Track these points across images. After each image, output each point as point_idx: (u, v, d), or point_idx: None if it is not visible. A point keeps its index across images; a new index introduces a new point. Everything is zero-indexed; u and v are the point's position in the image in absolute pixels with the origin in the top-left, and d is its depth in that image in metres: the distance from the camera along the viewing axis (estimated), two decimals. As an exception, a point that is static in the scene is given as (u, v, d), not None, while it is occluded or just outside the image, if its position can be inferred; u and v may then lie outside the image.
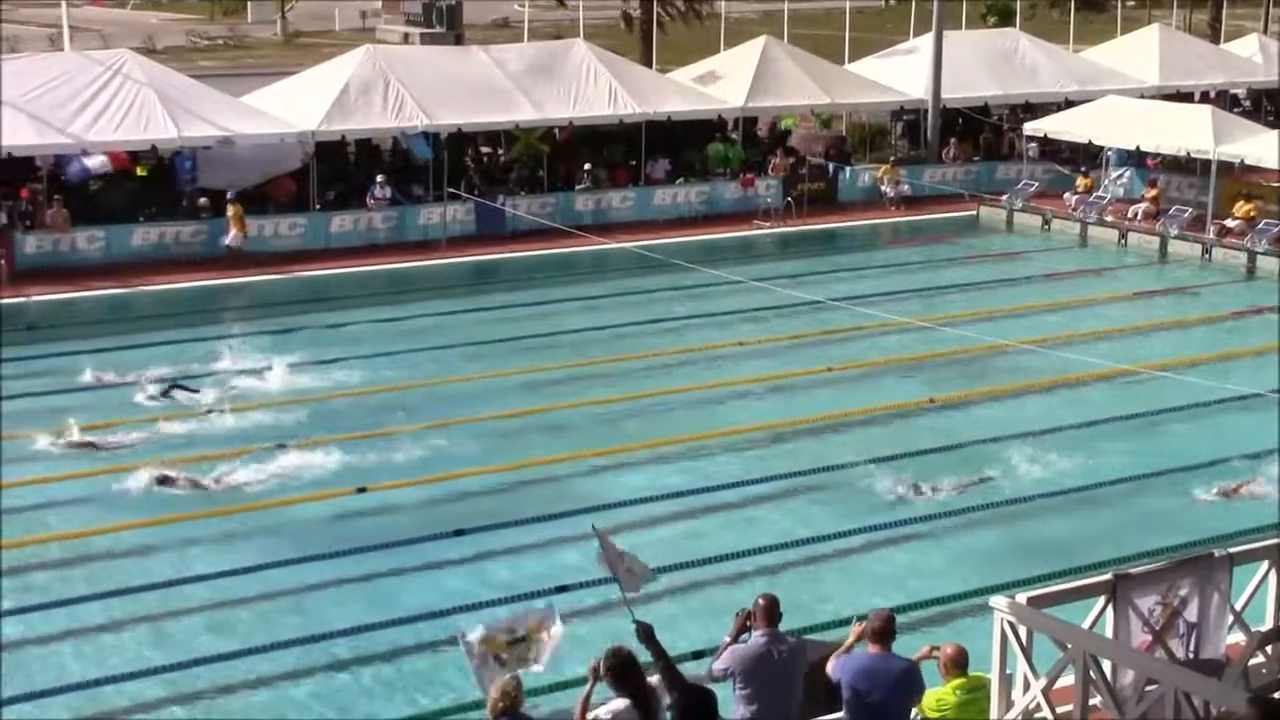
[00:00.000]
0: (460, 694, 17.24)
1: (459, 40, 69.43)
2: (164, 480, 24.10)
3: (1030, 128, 48.84)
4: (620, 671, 11.82)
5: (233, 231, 38.50)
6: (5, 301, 35.28)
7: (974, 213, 46.39)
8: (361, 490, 24.18)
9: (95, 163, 38.89)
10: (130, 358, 30.96)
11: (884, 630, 12.55)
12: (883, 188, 47.14)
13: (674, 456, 26.22)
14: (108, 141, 38.72)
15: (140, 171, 40.79)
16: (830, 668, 12.71)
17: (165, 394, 28.82)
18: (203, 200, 39.79)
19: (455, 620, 19.24)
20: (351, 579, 21.10)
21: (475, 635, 12.35)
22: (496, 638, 12.23)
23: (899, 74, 50.99)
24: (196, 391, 28.82)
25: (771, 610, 12.57)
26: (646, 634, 12.17)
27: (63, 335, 33.15)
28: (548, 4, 69.51)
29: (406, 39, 72.34)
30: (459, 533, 22.34)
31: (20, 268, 36.95)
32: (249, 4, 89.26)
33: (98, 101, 39.04)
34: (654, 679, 11.81)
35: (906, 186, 47.20)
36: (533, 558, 21.73)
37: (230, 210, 38.36)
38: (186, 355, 31.49)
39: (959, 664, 13.13)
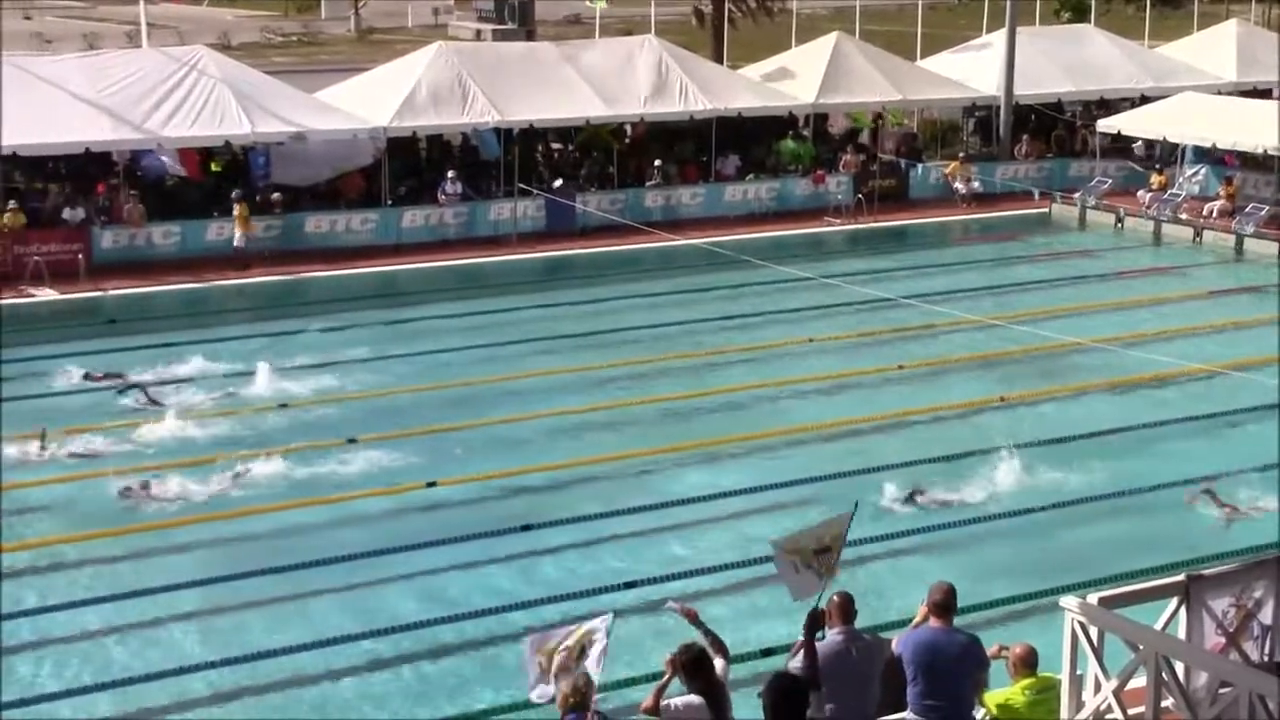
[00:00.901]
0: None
1: (530, 36, 69.63)
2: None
3: (1104, 124, 48.47)
4: (693, 667, 11.83)
5: (239, 232, 38.12)
6: (84, 295, 35.65)
7: (1046, 210, 46.06)
8: (431, 485, 24.28)
9: (171, 162, 39.15)
10: (204, 351, 31.20)
11: (945, 603, 12.43)
12: (954, 185, 46.87)
13: (742, 454, 26.20)
14: (183, 137, 38.96)
15: (215, 167, 41.03)
16: (894, 644, 12.64)
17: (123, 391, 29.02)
18: (275, 195, 39.99)
19: (519, 615, 19.47)
20: (419, 572, 21.19)
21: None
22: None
23: (971, 70, 50.67)
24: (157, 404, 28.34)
25: (846, 607, 12.49)
26: (816, 623, 12.27)
27: (141, 329, 33.43)
28: (622, 3, 69.57)
29: (479, 35, 72.56)
30: (526, 528, 22.40)
31: (97, 262, 37.28)
32: (323, 1, 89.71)
33: (174, 97, 39.30)
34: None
35: (978, 183, 46.91)
36: (599, 553, 21.73)
37: (236, 210, 38.05)
38: (258, 350, 31.68)
39: (1028, 664, 13.05)
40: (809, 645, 12.29)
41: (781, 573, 12.64)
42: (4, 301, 34.86)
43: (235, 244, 38.22)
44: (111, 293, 35.88)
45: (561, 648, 11.84)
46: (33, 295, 35.57)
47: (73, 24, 75.86)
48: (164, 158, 39.06)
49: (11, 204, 37.10)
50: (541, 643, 12.03)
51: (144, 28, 50.21)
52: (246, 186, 40.21)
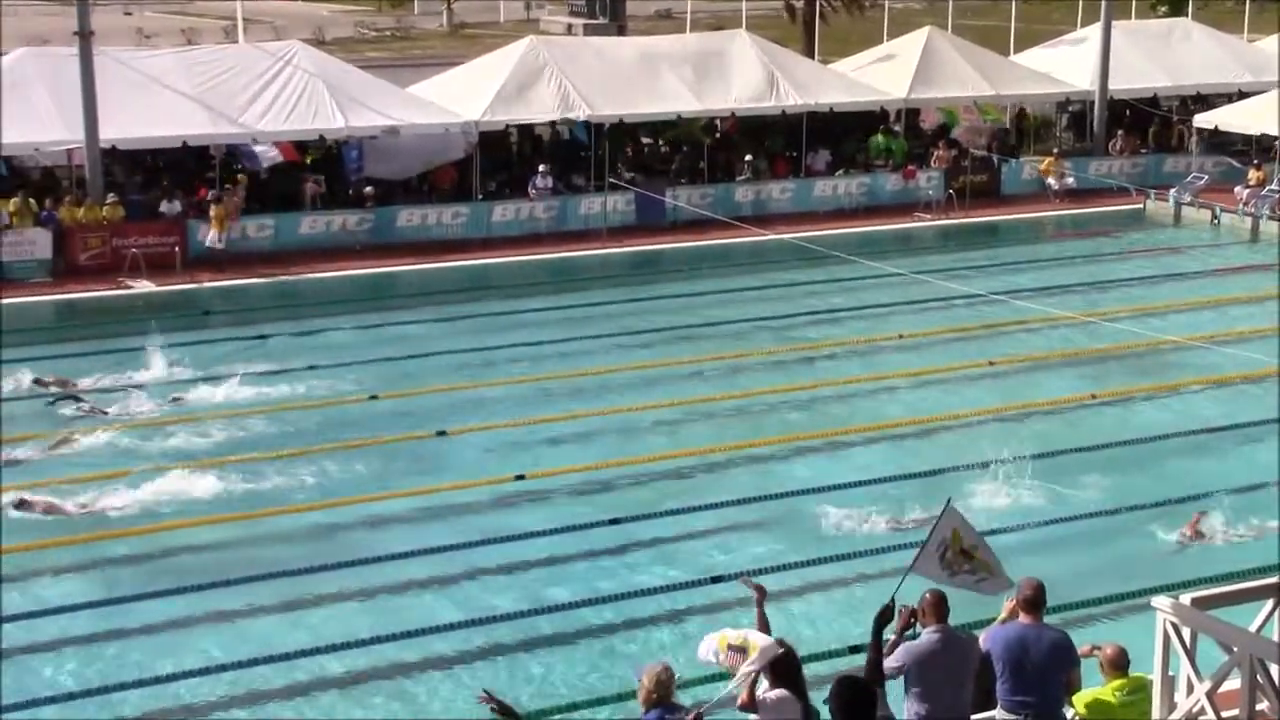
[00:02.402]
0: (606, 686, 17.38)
1: (621, 31, 69.50)
2: None
3: (1201, 120, 47.98)
4: (782, 665, 11.78)
5: (212, 232, 37.54)
6: (179, 287, 35.98)
7: (1140, 206, 45.56)
8: (520, 478, 24.33)
9: (266, 153, 39.44)
10: (297, 345, 31.48)
11: (1035, 599, 12.29)
12: (1047, 180, 46.50)
13: (830, 449, 26.12)
14: (278, 131, 39.28)
15: (309, 159, 41.30)
16: (982, 639, 12.51)
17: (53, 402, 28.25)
18: (368, 189, 40.18)
19: (606, 608, 19.48)
20: (510, 566, 21.26)
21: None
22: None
23: (1065, 65, 50.25)
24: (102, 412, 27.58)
25: (940, 605, 12.35)
26: (886, 620, 12.18)
27: (236, 321, 33.70)
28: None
29: (570, 30, 72.51)
30: (614, 521, 22.38)
31: (193, 254, 37.60)
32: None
33: (269, 92, 39.63)
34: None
35: (1071, 179, 46.50)
36: (686, 548, 21.69)
37: (213, 210, 37.58)
38: (356, 341, 31.91)
39: (1119, 665, 12.89)
40: (876, 643, 12.24)
41: (931, 543, 12.67)
42: (103, 293, 35.29)
43: (209, 244, 37.55)
44: (206, 285, 36.19)
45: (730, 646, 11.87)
46: (130, 287, 35.94)
47: (171, 19, 76.54)
48: (259, 148, 39.31)
49: (111, 197, 37.49)
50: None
51: (240, 23, 50.68)
52: (340, 180, 40.51)
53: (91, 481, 23.91)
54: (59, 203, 37.62)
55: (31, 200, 37.14)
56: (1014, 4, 57.12)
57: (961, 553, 12.64)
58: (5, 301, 34.22)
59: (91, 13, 37.82)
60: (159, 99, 38.53)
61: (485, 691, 11.32)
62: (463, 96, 42.17)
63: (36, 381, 29.07)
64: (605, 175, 41.77)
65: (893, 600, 12.38)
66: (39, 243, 36.35)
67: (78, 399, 28.28)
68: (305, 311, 34.64)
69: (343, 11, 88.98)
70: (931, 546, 12.71)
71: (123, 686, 17.93)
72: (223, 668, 18.28)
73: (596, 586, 20.39)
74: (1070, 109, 51.58)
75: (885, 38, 52.71)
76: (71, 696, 17.79)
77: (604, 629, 19.29)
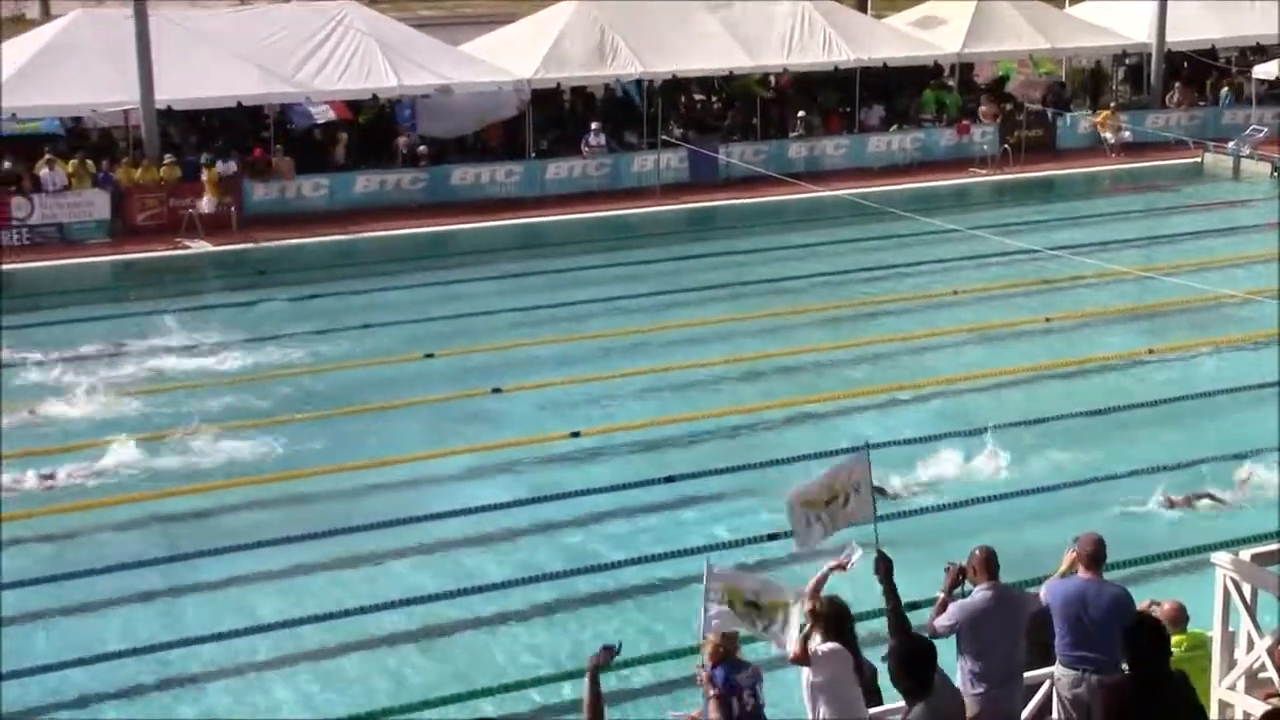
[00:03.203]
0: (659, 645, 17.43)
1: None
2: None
3: (1260, 71, 47.49)
4: (835, 620, 11.78)
5: (206, 197, 37.32)
6: (235, 246, 36.15)
7: (1198, 160, 45.17)
8: (575, 435, 24.37)
9: (319, 111, 39.56)
10: (352, 303, 31.62)
11: (1095, 554, 12.15)
12: (1103, 134, 46.18)
13: (884, 405, 26.04)
14: (331, 90, 39.36)
15: (361, 119, 41.36)
16: (1042, 593, 12.44)
17: None
18: (422, 148, 40.24)
19: (661, 566, 19.51)
20: (564, 523, 21.32)
21: (721, 574, 11.86)
22: (741, 588, 11.81)
23: (1122, 17, 49.72)
24: None
25: (990, 562, 12.28)
26: (885, 569, 12.09)
27: (292, 280, 33.86)
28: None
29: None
30: (669, 479, 22.39)
31: (249, 214, 37.76)
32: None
33: (322, 51, 39.71)
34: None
35: (1128, 133, 46.16)
36: (739, 505, 21.66)
37: (205, 175, 37.44)
38: (411, 300, 32.00)
39: (1178, 621, 12.84)
40: (944, 599, 12.20)
41: (794, 526, 12.44)
42: (161, 253, 35.49)
43: (203, 209, 37.19)
44: (262, 244, 36.34)
45: (752, 603, 11.72)
46: (187, 247, 36.13)
47: (224, -21, 76.55)
48: (312, 110, 39.43)
49: (168, 157, 37.65)
50: (733, 585, 11.87)
51: (293, -17, 50.68)
52: (393, 139, 40.54)
53: (148, 441, 24.10)
54: (116, 164, 37.84)
55: (89, 161, 37.38)
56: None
57: (825, 503, 12.50)
58: (65, 262, 34.55)
59: (146, -26, 37.96)
60: (213, 59, 38.63)
61: (607, 650, 11.10)
62: (515, 55, 42.13)
63: None
64: (658, 132, 41.74)
65: (880, 550, 12.24)
66: (97, 204, 36.59)
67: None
68: (360, 270, 34.76)
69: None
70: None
71: (204, 639, 18.15)
72: (285, 624, 18.41)
73: (650, 545, 20.40)
74: (1127, 61, 51.13)
75: (939, -9, 52.34)
76: (152, 649, 17.99)
77: (658, 586, 19.32)
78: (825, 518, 12.29)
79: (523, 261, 35.63)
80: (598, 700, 10.46)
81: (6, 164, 36.76)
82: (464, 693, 16.62)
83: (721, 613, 11.57)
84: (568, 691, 16.16)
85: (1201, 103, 48.73)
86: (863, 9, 53.35)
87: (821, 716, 11.81)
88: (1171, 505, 21.17)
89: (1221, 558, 12.83)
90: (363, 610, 18.69)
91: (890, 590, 11.95)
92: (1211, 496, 21.55)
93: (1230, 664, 12.80)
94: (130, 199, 37.04)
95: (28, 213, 35.98)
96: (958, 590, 12.28)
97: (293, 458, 23.72)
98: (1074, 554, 12.45)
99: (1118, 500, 21.32)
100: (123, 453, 23.54)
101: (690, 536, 20.57)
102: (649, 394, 26.58)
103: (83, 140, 39.26)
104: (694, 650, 11.98)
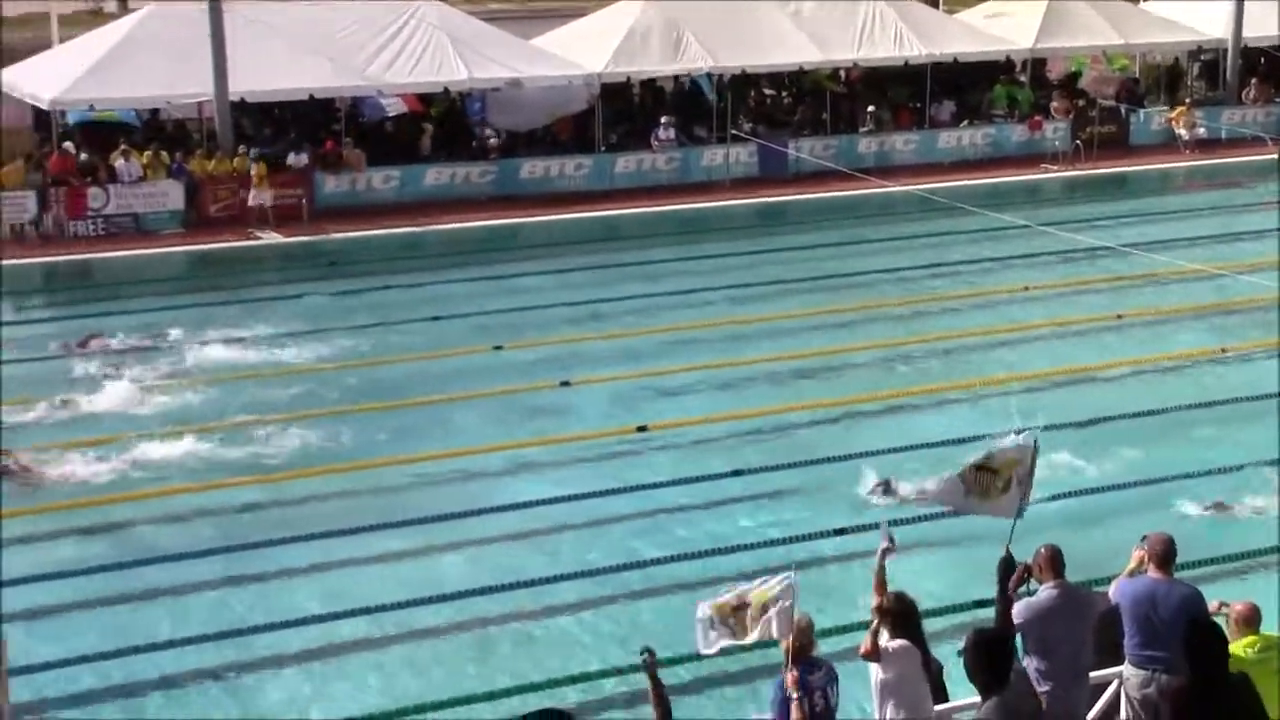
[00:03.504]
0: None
1: (745, -18, 69.16)
2: None
3: (1337, 68, 47.12)
4: (902, 618, 11.76)
5: (254, 190, 37.51)
6: (306, 238, 36.38)
7: (1274, 157, 44.68)
8: (642, 429, 24.38)
9: (390, 104, 39.76)
10: (421, 295, 31.75)
11: (1166, 554, 12.13)
12: (1177, 130, 45.88)
13: (954, 401, 25.97)
14: (403, 84, 39.60)
15: (433, 111, 41.51)
16: (1111, 591, 12.39)
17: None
18: (492, 140, 40.38)
19: (727, 560, 19.49)
20: (631, 516, 21.34)
21: (708, 604, 11.95)
22: (723, 603, 11.82)
23: (1197, 12, 49.39)
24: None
25: (1055, 560, 12.26)
26: (1006, 565, 12.09)
27: (361, 271, 34.03)
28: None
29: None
30: (737, 473, 22.35)
31: (320, 206, 37.99)
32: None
33: (393, 45, 39.94)
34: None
35: (1203, 129, 45.87)
36: (808, 500, 21.62)
37: (254, 169, 37.54)
38: (479, 292, 32.11)
39: (1251, 621, 12.71)
40: (1003, 592, 12.21)
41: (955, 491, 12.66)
42: (233, 244, 35.77)
43: (251, 203, 37.47)
44: (333, 236, 36.55)
45: (738, 604, 11.71)
46: (258, 238, 36.39)
47: (297, -27, 77.03)
48: (384, 103, 39.64)
49: (241, 149, 37.92)
50: (719, 601, 11.88)
51: (366, -24, 50.89)
52: (464, 131, 40.68)
53: (218, 430, 24.31)
54: (190, 155, 38.18)
55: (164, 153, 37.71)
56: (1144, -49, 56.34)
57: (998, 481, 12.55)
58: (140, 253, 34.88)
59: (220, -33, 38.24)
60: (286, 53, 38.93)
61: (648, 651, 11.08)
62: (586, 49, 42.26)
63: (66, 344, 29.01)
64: (727, 127, 41.74)
65: (1008, 550, 12.32)
66: (171, 194, 36.94)
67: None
68: (429, 262, 34.90)
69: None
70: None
71: (290, 624, 18.33)
72: (364, 610, 18.50)
73: (718, 537, 20.40)
74: (1202, 57, 50.73)
75: (1012, -14, 52.08)
76: (239, 632, 18.20)
77: (725, 580, 19.27)
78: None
79: (592, 255, 35.68)
80: (660, 694, 10.50)
81: (83, 155, 37.11)
82: (542, 682, 16.67)
83: (718, 633, 11.65)
84: (614, 686, 16.30)
85: (1278, 99, 48.25)
86: (934, 4, 53.10)
87: (889, 714, 11.81)
88: (1220, 509, 20.89)
89: (1295, 558, 12.77)
90: (422, 602, 18.76)
91: (1004, 587, 11.99)
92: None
93: (1302, 665, 12.70)
94: (204, 190, 37.36)
95: (103, 203, 36.35)
96: (1023, 588, 12.25)
97: (361, 448, 23.85)
98: (1142, 552, 12.39)
99: (1189, 498, 21.17)
100: (191, 442, 23.77)
101: (758, 531, 20.56)
102: (717, 388, 26.57)
103: (158, 132, 39.62)
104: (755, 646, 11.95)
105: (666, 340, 29.14)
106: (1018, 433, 12.88)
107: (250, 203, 37.37)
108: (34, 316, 32.30)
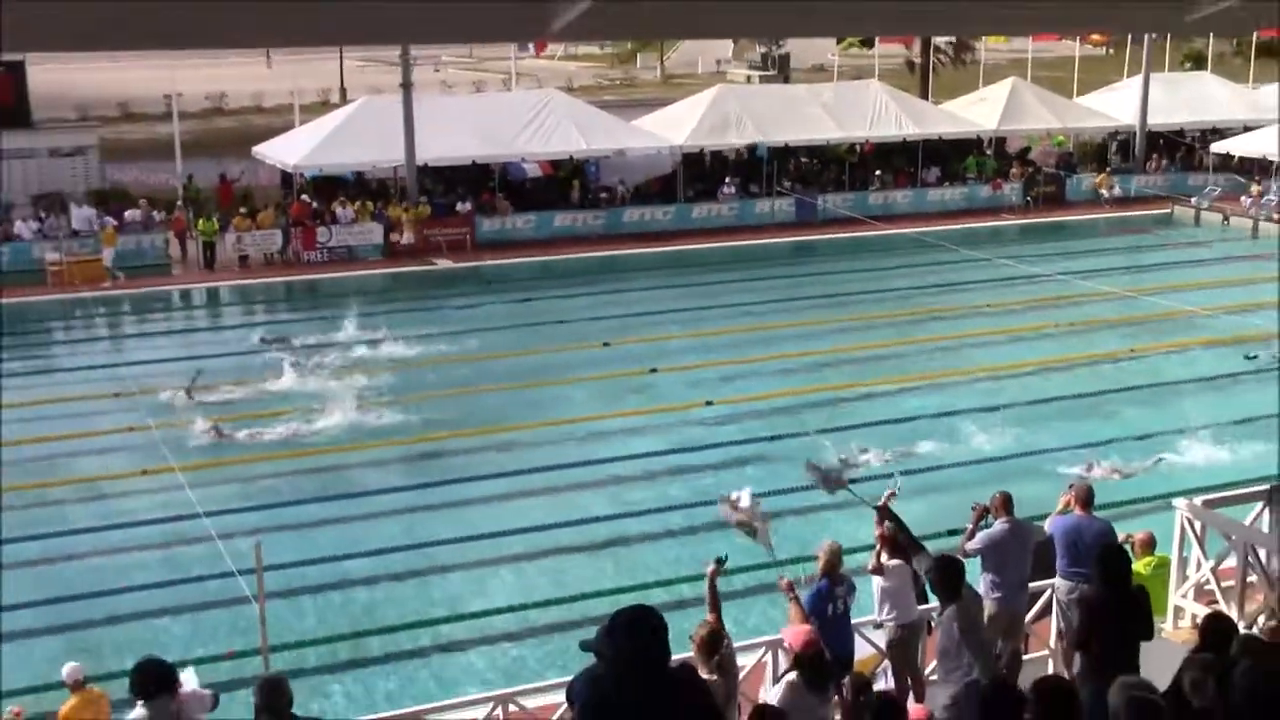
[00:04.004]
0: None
1: (787, 80, 68.89)
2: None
3: (1216, 147, 46.29)
4: (894, 542, 11.77)
5: (406, 233, 36.83)
6: (470, 264, 36.62)
7: (1169, 211, 44.11)
8: (709, 404, 24.42)
9: (531, 169, 39.88)
10: (552, 306, 31.89)
11: (1087, 498, 12.15)
12: (1100, 190, 45.31)
13: (943, 385, 25.82)
14: (539, 152, 39.70)
15: (560, 174, 41.63)
16: (1046, 525, 12.38)
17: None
18: (604, 195, 40.44)
19: (769, 500, 19.41)
20: (699, 467, 21.39)
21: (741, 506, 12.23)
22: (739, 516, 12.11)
23: (1115, 105, 48.81)
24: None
25: (1007, 502, 12.22)
26: (886, 513, 11.98)
27: (510, 289, 34.20)
28: (853, 54, 68.34)
29: (749, 79, 72.05)
30: (774, 438, 22.31)
31: (480, 241, 38.21)
32: (638, 55, 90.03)
33: (533, 124, 39.99)
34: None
35: (1118, 190, 45.25)
36: (831, 456, 21.57)
37: (403, 216, 36.91)
38: (592, 304, 32.19)
39: (1149, 546, 12.72)
40: (972, 530, 12.12)
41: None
42: (418, 268, 36.03)
43: (402, 242, 36.83)
44: (489, 263, 36.75)
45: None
46: (435, 264, 36.65)
47: (466, 74, 77.41)
48: (525, 167, 39.80)
49: (422, 199, 38.22)
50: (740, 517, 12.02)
51: (514, 77, 51.30)
52: (583, 189, 40.73)
53: (404, 402, 24.53)
54: (388, 204, 38.45)
55: (369, 202, 38.04)
56: (1076, 60, 55.64)
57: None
58: (352, 274, 35.24)
59: (411, 70, 38.51)
60: (456, 130, 39.07)
61: (719, 561, 10.74)
62: (671, 127, 42.20)
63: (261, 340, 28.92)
64: (774, 184, 41.62)
65: (885, 502, 12.06)
66: (374, 232, 37.22)
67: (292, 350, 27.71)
68: (557, 282, 35.01)
69: (585, 67, 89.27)
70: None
71: (448, 541, 18.51)
72: (508, 531, 18.71)
73: (764, 482, 20.35)
74: (1118, 138, 50.06)
75: (981, 84, 51.59)
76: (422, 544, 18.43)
77: (770, 513, 19.23)
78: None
79: (674, 277, 35.63)
80: (715, 597, 10.56)
81: (315, 203, 37.53)
82: (626, 586, 16.76)
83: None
84: (687, 591, 16.37)
85: (1172, 169, 47.59)
86: (925, 96, 52.62)
87: (887, 613, 11.87)
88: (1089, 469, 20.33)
89: (1180, 502, 12.73)
90: (550, 526, 18.93)
91: (896, 522, 11.79)
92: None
93: (1183, 579, 12.67)
94: (396, 229, 37.63)
95: (328, 238, 36.70)
96: (982, 523, 12.24)
97: (506, 415, 24.04)
98: (1068, 497, 12.40)
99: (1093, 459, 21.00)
100: (383, 411, 24.05)
101: (790, 479, 20.54)
102: (766, 374, 26.56)
103: (365, 187, 39.96)
104: (786, 562, 12.00)
105: (727, 340, 29.15)
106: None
107: (403, 242, 37.00)
108: (279, 318, 32.82)
